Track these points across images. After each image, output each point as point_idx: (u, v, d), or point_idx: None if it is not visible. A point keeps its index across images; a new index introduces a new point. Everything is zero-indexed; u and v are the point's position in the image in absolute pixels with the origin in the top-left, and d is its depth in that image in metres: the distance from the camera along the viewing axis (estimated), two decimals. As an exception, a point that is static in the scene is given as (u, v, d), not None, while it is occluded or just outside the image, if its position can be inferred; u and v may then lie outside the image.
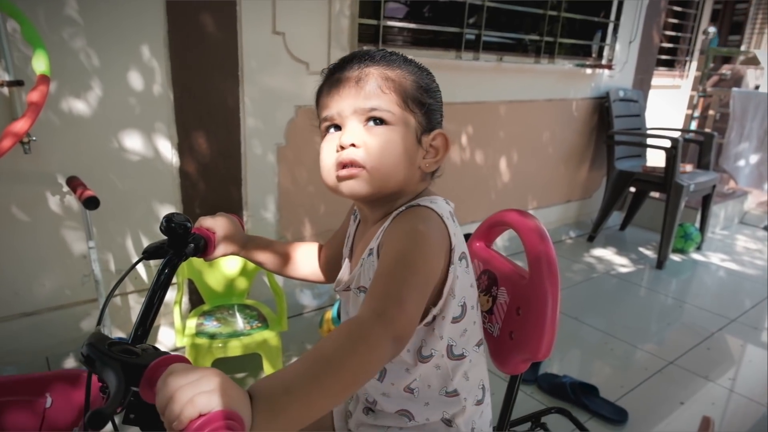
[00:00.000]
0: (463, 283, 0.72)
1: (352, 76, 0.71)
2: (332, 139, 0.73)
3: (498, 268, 0.83)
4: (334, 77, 0.73)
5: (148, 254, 0.77)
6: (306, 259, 0.95)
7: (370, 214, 0.79)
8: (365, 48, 0.75)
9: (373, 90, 0.70)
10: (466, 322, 0.74)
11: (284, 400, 0.46)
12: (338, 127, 0.73)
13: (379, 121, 0.70)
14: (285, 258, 0.94)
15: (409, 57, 0.76)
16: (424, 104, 0.73)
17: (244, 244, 0.89)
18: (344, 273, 0.81)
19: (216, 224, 0.84)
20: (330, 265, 0.94)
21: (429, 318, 0.71)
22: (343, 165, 0.71)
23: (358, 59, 0.72)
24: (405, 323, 0.56)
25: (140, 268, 1.90)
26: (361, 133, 0.70)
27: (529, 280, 0.75)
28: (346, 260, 0.82)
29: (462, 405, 0.77)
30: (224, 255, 0.86)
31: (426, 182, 0.78)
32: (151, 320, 0.73)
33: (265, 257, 0.92)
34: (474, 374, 0.78)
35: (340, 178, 0.72)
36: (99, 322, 0.69)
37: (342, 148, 0.71)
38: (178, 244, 0.77)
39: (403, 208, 0.71)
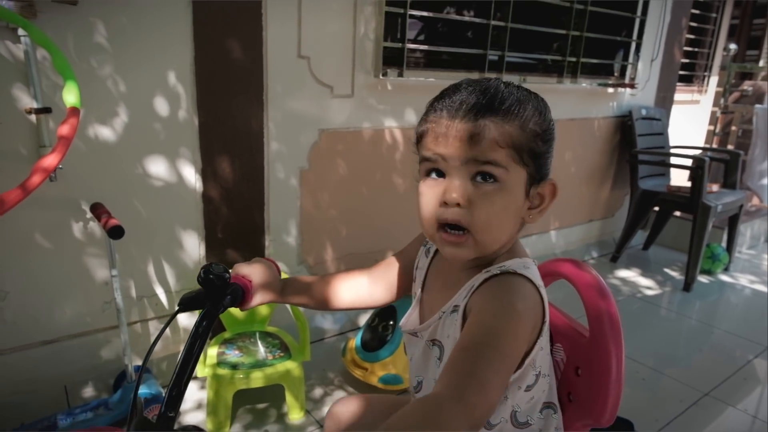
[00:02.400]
0: (544, 353, 0.67)
1: (466, 127, 0.63)
2: (435, 186, 0.67)
3: (552, 321, 0.78)
4: (443, 121, 0.65)
5: (184, 306, 0.73)
6: (350, 292, 0.90)
7: None
8: (477, 86, 0.66)
9: (488, 144, 0.63)
10: (536, 390, 0.69)
11: None
12: (441, 172, 0.67)
13: (489, 177, 0.64)
14: (326, 296, 0.89)
15: (526, 91, 0.69)
16: (538, 155, 0.66)
17: (282, 290, 0.85)
18: (413, 314, 0.75)
19: (253, 272, 0.80)
20: (379, 291, 0.89)
21: None
22: (446, 223, 0.66)
23: (474, 105, 0.64)
24: (485, 411, 0.52)
25: (162, 294, 1.87)
26: (467, 190, 0.64)
27: (590, 338, 0.70)
28: (417, 296, 0.77)
29: None
30: (261, 303, 0.82)
31: (520, 230, 0.72)
32: (187, 378, 0.69)
33: (305, 300, 0.88)
34: None
35: (444, 242, 0.67)
36: (144, 364, 0.68)
37: (446, 204, 0.65)
38: (216, 295, 0.74)
39: (497, 271, 0.65)
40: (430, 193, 0.67)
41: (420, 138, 0.70)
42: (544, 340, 0.66)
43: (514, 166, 0.65)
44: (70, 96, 1.13)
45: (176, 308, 0.74)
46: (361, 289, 0.90)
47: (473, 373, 0.53)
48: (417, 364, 0.75)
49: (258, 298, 0.81)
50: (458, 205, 0.64)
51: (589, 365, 0.70)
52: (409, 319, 0.76)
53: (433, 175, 0.68)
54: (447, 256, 0.68)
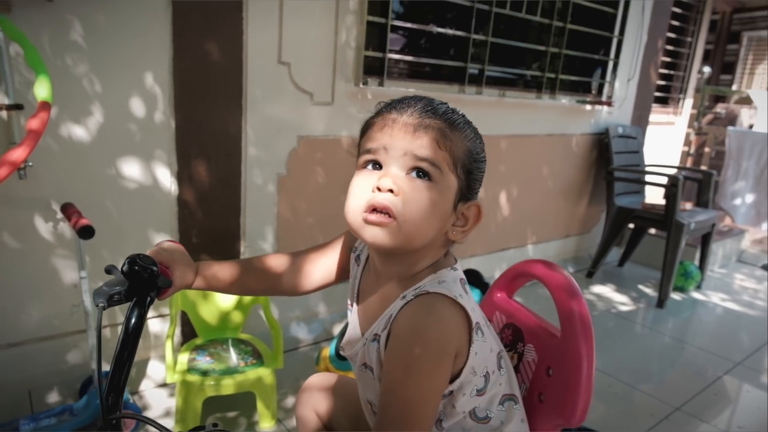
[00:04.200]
0: (482, 354, 0.68)
1: (411, 122, 0.68)
2: (368, 176, 0.69)
3: (523, 322, 0.78)
4: (391, 116, 0.70)
5: (107, 302, 0.66)
6: (273, 275, 0.87)
7: (381, 267, 0.74)
8: (426, 98, 0.73)
9: (428, 142, 0.67)
10: (491, 388, 0.70)
11: None
12: (377, 166, 0.69)
13: (424, 175, 0.67)
14: (250, 280, 0.86)
15: (469, 120, 0.74)
16: (470, 172, 0.71)
17: (198, 275, 0.81)
18: (354, 331, 0.76)
19: (170, 258, 0.75)
20: (306, 278, 0.87)
21: (446, 392, 0.67)
22: (374, 209, 0.67)
23: (421, 108, 0.69)
24: None
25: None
26: (402, 181, 0.67)
27: (561, 339, 0.70)
28: (354, 309, 0.77)
29: None
30: (179, 290, 0.77)
31: (445, 249, 0.74)
32: (123, 382, 0.65)
33: (227, 285, 0.84)
34: None
35: (367, 221, 0.67)
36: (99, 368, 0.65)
37: (378, 190, 0.67)
38: (143, 288, 0.68)
39: (412, 296, 0.67)
40: (363, 183, 0.69)
41: (364, 132, 0.73)
42: (477, 346, 0.67)
43: (447, 172, 0.68)
44: (42, 90, 1.11)
45: (97, 305, 0.66)
46: (285, 277, 0.87)
47: (404, 415, 0.60)
48: (360, 384, 0.76)
49: (177, 286, 0.76)
50: (390, 191, 0.66)
51: (560, 365, 0.70)
52: (348, 341, 0.77)
53: (369, 167, 0.70)
54: (368, 240, 0.68)
